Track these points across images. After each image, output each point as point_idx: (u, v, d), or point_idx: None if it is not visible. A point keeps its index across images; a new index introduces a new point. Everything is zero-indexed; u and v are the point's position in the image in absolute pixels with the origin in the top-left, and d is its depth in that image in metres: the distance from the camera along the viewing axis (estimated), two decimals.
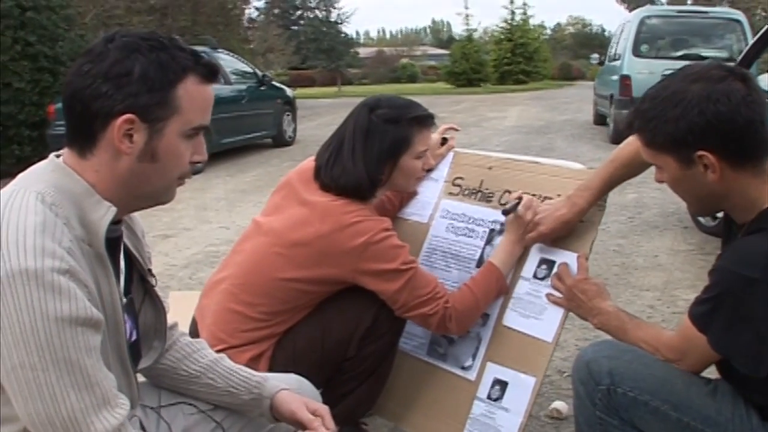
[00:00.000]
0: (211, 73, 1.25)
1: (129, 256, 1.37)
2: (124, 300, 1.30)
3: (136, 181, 1.22)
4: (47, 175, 1.19)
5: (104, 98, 1.16)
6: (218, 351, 1.92)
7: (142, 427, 1.43)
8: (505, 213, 2.11)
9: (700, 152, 1.47)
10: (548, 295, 2.05)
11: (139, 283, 1.42)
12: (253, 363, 1.94)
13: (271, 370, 1.93)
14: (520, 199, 2.10)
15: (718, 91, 1.45)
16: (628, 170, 1.96)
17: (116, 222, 1.25)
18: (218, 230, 5.89)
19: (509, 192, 2.20)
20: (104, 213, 1.19)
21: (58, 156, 1.23)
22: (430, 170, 2.40)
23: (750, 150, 1.49)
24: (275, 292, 1.98)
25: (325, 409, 1.50)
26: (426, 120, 2.11)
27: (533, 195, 2.12)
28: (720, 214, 1.69)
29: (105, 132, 1.18)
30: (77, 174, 1.20)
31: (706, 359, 1.59)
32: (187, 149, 1.25)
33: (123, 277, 1.33)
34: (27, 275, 1.04)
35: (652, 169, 1.63)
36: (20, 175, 1.21)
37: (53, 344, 1.06)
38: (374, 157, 2.02)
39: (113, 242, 1.25)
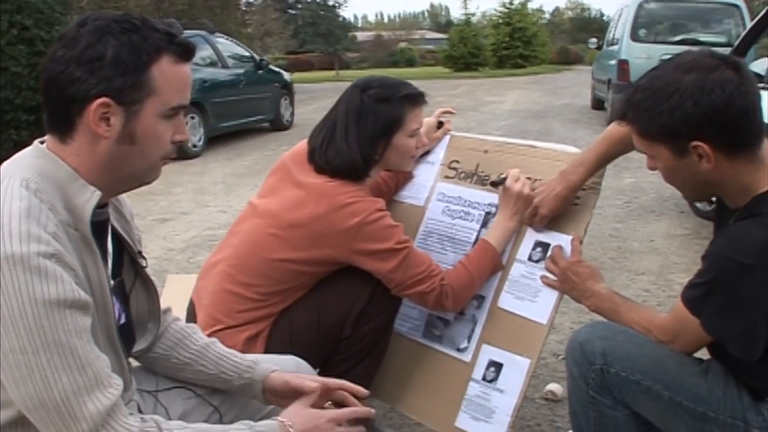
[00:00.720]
0: (186, 51, 1.24)
1: (118, 239, 1.37)
2: (112, 282, 1.30)
3: (118, 163, 1.22)
4: (31, 161, 1.19)
5: (78, 83, 1.16)
6: (215, 331, 1.94)
7: (140, 411, 1.42)
8: (494, 185, 2.14)
9: (695, 142, 1.48)
10: (542, 278, 2.06)
11: (129, 266, 1.42)
12: (250, 342, 1.96)
13: (267, 349, 1.95)
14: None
15: (711, 81, 1.45)
16: (621, 147, 1.96)
17: (102, 205, 1.25)
18: (216, 214, 5.89)
19: None
20: (89, 197, 1.19)
21: (42, 142, 1.23)
22: (426, 153, 2.41)
23: (744, 139, 1.49)
24: (271, 272, 1.99)
25: (319, 380, 1.50)
26: (417, 98, 2.11)
27: (529, 178, 2.13)
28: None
29: (82, 117, 1.18)
30: (60, 159, 1.20)
31: (699, 341, 1.60)
32: (167, 129, 1.25)
33: (111, 259, 1.33)
34: (13, 260, 1.05)
35: None
36: (5, 163, 1.21)
37: (42, 327, 1.06)
38: (367, 137, 2.03)
39: (100, 225, 1.25)
